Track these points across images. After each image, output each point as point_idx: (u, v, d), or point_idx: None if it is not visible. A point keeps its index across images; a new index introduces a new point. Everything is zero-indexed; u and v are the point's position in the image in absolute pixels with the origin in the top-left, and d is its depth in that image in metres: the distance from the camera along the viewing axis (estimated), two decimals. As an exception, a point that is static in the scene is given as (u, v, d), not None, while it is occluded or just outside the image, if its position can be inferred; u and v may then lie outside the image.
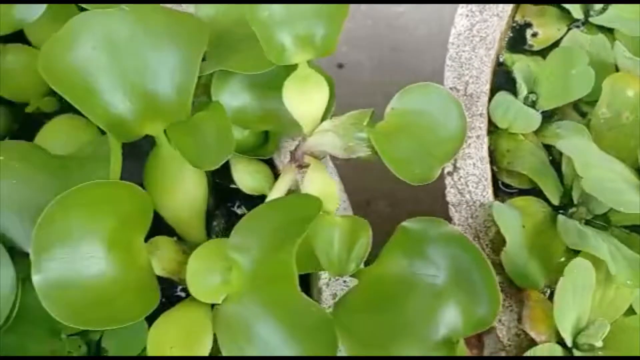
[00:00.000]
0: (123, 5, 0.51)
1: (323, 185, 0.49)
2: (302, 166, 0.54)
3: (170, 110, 0.52)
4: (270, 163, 0.61)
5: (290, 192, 0.55)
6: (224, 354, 0.46)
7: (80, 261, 0.47)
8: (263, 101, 0.54)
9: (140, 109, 0.52)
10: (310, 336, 0.42)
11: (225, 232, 0.63)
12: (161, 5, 0.52)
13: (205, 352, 0.52)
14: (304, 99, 0.51)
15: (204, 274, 0.52)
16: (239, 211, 0.63)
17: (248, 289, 0.47)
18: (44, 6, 0.56)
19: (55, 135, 0.60)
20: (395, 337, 0.42)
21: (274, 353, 0.44)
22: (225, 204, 0.63)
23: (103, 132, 0.63)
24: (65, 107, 0.66)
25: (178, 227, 0.58)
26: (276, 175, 0.60)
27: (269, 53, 0.47)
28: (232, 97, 0.53)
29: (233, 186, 0.63)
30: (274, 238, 0.46)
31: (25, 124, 0.66)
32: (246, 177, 0.59)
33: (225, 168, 0.61)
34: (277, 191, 0.54)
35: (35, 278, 0.45)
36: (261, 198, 0.62)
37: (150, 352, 0.51)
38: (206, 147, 0.49)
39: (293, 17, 0.48)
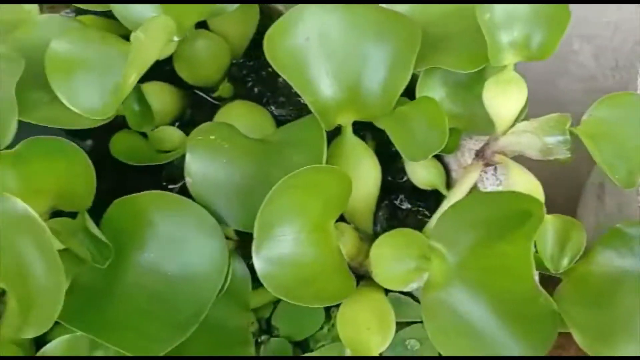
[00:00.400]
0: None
1: (527, 184, 0.50)
2: (488, 164, 0.56)
3: (371, 104, 0.55)
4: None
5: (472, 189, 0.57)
6: (433, 342, 0.48)
7: (292, 241, 0.49)
8: (456, 98, 0.56)
9: (342, 99, 0.55)
10: (531, 327, 0.44)
11: (389, 224, 0.65)
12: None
13: (392, 335, 0.54)
14: (505, 99, 0.52)
15: (392, 261, 0.54)
16: (403, 206, 0.65)
17: (455, 279, 0.48)
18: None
19: (236, 119, 0.62)
20: (612, 332, 0.44)
21: (487, 342, 0.46)
22: (390, 196, 0.65)
23: (279, 121, 0.67)
24: (239, 94, 0.69)
25: (351, 215, 0.60)
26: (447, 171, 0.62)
27: (490, 53, 0.49)
28: (431, 94, 0.55)
29: (391, 179, 0.65)
30: (487, 231, 0.47)
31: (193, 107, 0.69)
32: (422, 171, 0.61)
33: (389, 163, 0.63)
34: (462, 187, 0.56)
35: (256, 255, 0.48)
36: (433, 193, 0.64)
37: (344, 332, 0.53)
38: (416, 139, 0.51)
39: (511, 19, 0.50)
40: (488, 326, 0.46)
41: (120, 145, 0.58)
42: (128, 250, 0.50)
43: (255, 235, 0.48)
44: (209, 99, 0.68)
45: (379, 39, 0.53)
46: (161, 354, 0.46)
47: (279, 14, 0.69)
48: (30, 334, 0.45)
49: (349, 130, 0.58)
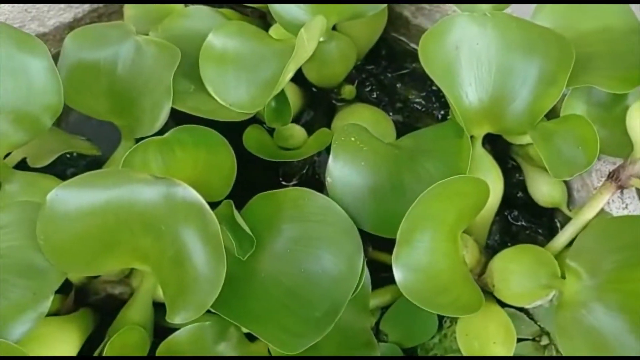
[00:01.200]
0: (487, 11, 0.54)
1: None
2: (621, 187, 0.56)
3: (511, 117, 0.55)
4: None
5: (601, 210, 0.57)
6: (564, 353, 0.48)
7: (427, 249, 0.49)
8: (595, 118, 0.55)
9: (483, 110, 0.55)
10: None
11: (502, 238, 0.65)
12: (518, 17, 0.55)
13: (514, 349, 0.54)
14: (651, 124, 0.52)
15: (520, 277, 0.54)
16: (516, 221, 0.65)
17: (594, 299, 0.48)
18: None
19: (359, 122, 0.62)
20: None
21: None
22: (503, 211, 0.65)
23: (400, 127, 0.67)
24: (357, 96, 0.69)
25: (470, 226, 0.60)
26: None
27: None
28: (574, 112, 0.55)
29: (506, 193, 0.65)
30: (634, 255, 0.47)
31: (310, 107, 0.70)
32: (546, 188, 0.61)
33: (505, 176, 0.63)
34: (592, 208, 0.55)
35: (395, 263, 0.48)
36: (547, 211, 0.64)
37: (467, 344, 0.53)
38: (562, 156, 0.51)
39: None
40: (629, 349, 0.46)
41: (251, 139, 0.59)
42: (265, 244, 0.51)
43: (397, 240, 0.48)
44: (333, 100, 0.68)
45: (527, 54, 0.53)
46: (301, 350, 0.46)
47: (404, 19, 0.70)
48: (179, 319, 0.46)
49: (479, 142, 0.58)
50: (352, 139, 0.54)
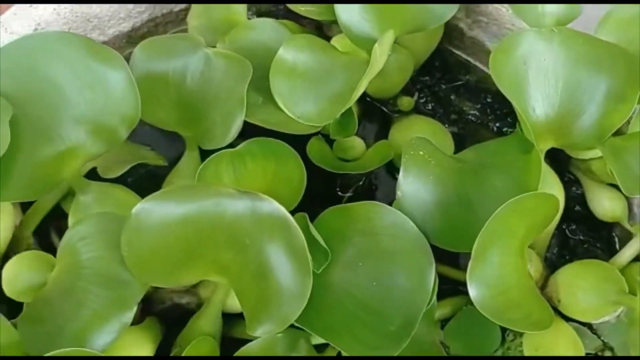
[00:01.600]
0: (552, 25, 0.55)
1: None
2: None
3: (577, 133, 0.55)
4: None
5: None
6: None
7: (498, 264, 0.49)
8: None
9: (549, 124, 0.55)
10: None
11: (560, 252, 0.65)
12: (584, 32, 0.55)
13: None
14: None
15: (587, 292, 0.54)
16: (574, 235, 0.65)
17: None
18: (457, 6, 0.59)
19: (417, 135, 0.63)
20: None
21: None
22: (561, 225, 0.65)
23: (456, 139, 0.67)
24: (416, 108, 0.69)
25: (534, 241, 0.60)
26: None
27: None
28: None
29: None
30: None
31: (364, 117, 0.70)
32: (607, 203, 0.61)
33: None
34: (657, 223, 0.56)
35: (470, 279, 0.47)
36: (605, 225, 0.64)
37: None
38: (632, 172, 0.51)
39: None
40: None
41: (314, 150, 0.59)
42: (337, 257, 0.51)
43: (473, 256, 0.48)
44: (387, 111, 0.68)
45: (594, 70, 0.53)
46: None
47: (459, 31, 0.70)
48: (260, 332, 0.46)
49: (542, 157, 0.58)
50: (421, 152, 0.54)
